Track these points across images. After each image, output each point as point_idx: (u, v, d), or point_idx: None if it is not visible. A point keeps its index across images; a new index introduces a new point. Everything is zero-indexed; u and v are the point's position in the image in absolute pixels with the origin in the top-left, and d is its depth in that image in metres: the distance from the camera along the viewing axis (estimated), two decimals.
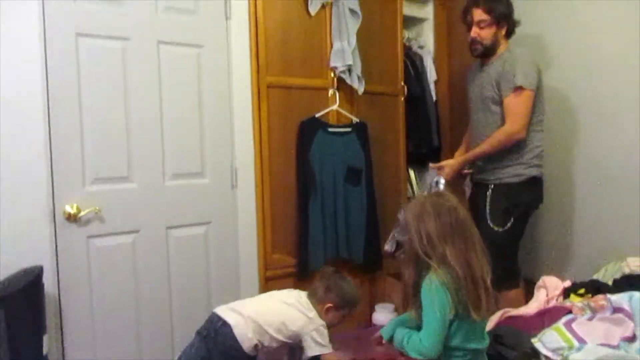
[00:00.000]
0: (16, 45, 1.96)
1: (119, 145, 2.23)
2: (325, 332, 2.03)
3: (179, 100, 2.37)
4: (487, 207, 2.51)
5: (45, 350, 1.93)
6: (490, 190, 2.54)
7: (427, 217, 1.66)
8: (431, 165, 2.61)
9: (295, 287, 2.62)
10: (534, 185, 2.57)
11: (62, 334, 2.10)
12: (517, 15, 2.61)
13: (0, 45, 1.92)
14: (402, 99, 3.13)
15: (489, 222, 2.48)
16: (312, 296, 2.09)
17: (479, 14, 2.52)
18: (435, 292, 1.59)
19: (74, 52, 2.10)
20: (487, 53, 2.58)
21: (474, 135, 2.68)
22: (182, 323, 2.39)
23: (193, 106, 2.42)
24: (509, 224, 2.48)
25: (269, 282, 2.58)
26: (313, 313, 2.03)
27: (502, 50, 2.57)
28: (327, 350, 2.01)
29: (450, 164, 2.62)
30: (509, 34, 2.60)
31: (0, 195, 1.93)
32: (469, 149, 2.72)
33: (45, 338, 1.94)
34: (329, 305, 2.07)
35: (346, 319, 2.16)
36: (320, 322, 2.03)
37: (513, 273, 2.53)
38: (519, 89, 2.43)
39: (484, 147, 2.53)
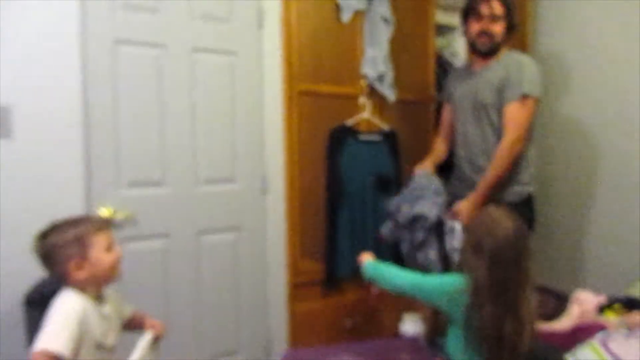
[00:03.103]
0: (56, 51, 2.01)
1: (153, 150, 2.26)
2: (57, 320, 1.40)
3: (211, 106, 2.41)
4: None
5: None
6: None
7: (482, 256, 1.54)
8: (448, 216, 2.33)
9: (323, 295, 2.65)
10: (532, 204, 2.39)
11: None
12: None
13: (40, 52, 1.98)
14: (433, 107, 3.11)
15: None
16: (66, 286, 1.51)
17: (498, 7, 2.32)
18: (452, 292, 1.58)
19: (112, 58, 2.15)
20: (491, 52, 2.38)
21: (468, 151, 2.44)
22: (211, 328, 2.42)
23: (225, 112, 2.45)
24: None
25: (296, 289, 2.59)
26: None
27: (502, 53, 2.40)
28: (49, 344, 1.32)
29: (465, 206, 2.31)
30: (508, 36, 2.40)
31: (36, 197, 1.98)
32: (441, 161, 2.59)
33: None
34: (73, 263, 1.46)
35: (112, 244, 1.54)
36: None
37: None
38: (525, 96, 2.25)
39: (493, 172, 2.27)
